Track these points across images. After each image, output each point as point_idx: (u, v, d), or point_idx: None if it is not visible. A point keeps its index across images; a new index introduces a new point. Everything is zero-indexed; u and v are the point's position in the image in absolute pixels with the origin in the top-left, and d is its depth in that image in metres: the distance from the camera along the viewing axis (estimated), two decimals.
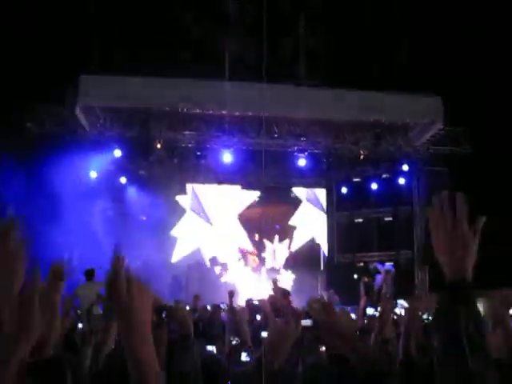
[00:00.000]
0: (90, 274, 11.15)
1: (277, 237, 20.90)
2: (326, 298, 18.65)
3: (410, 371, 3.27)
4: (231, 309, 6.06)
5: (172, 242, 20.19)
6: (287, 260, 19.80)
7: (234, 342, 5.00)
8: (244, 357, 4.74)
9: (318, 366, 2.97)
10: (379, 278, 18.21)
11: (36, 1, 15.04)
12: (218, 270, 18.75)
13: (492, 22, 15.12)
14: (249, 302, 10.61)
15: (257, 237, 20.81)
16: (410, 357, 3.42)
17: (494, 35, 15.16)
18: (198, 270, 18.74)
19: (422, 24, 16.20)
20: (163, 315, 4.02)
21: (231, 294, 6.90)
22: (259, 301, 6.61)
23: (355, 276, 20.32)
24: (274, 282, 6.90)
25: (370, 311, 7.16)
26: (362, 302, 17.32)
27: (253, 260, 19.21)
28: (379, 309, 4.74)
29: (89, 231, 15.82)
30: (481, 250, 1.93)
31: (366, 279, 18.55)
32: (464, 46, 15.47)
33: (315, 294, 18.68)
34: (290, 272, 19.10)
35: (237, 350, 4.84)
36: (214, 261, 19.21)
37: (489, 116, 15.65)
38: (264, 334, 4.79)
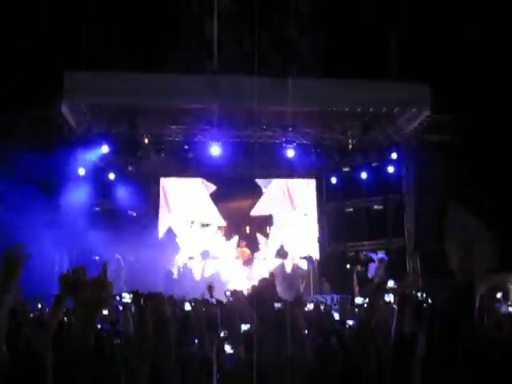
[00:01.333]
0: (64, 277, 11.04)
1: (268, 227, 20.91)
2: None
3: (402, 349, 3.25)
4: (218, 302, 6.03)
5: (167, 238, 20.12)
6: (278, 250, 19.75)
7: (222, 335, 4.97)
8: (228, 349, 4.73)
9: None
10: (373, 266, 18.26)
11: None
12: (209, 264, 18.68)
13: (479, 9, 15.12)
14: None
15: (248, 229, 20.79)
16: (403, 335, 3.40)
17: (481, 22, 15.16)
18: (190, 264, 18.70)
19: (410, 12, 16.18)
20: (141, 302, 4.02)
21: (210, 289, 6.88)
22: (232, 292, 6.54)
23: (347, 265, 20.36)
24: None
25: (359, 300, 7.16)
26: (356, 291, 17.41)
27: (242, 252, 19.18)
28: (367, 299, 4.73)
29: (78, 228, 15.77)
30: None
31: (359, 268, 18.62)
32: (451, 33, 15.47)
33: (308, 283, 18.77)
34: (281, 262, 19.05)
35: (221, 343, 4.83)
36: (205, 254, 19.16)
37: (476, 103, 15.67)
38: (244, 327, 4.79)
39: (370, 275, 18.17)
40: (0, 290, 2.85)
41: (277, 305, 5.65)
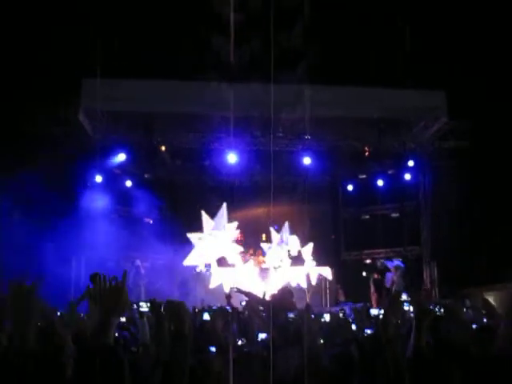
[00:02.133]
0: (93, 278, 11.10)
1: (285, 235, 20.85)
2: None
3: (420, 367, 3.23)
4: (235, 310, 6.04)
5: (183, 245, 20.05)
6: (295, 257, 19.67)
7: (239, 343, 4.98)
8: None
9: None
10: (389, 275, 18.18)
11: (39, 3, 15.03)
12: (225, 272, 18.63)
13: (494, 15, 15.06)
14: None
15: (264, 237, 20.75)
16: (421, 352, 3.38)
17: (496, 29, 15.09)
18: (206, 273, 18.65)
19: (425, 19, 16.14)
20: (161, 309, 4.04)
21: (228, 297, 6.86)
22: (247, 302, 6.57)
23: (363, 273, 20.28)
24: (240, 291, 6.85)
25: (374, 312, 7.12)
26: (374, 299, 17.30)
27: (258, 261, 19.11)
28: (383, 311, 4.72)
29: (96, 234, 15.85)
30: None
31: (375, 276, 18.53)
32: (466, 40, 15.42)
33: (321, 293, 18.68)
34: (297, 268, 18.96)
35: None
36: (221, 262, 19.11)
37: (493, 109, 15.59)
38: (261, 336, 4.79)
39: (387, 284, 18.09)
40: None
41: (290, 315, 5.67)
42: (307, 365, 3.69)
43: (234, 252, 19.31)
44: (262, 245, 19.80)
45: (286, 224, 19.68)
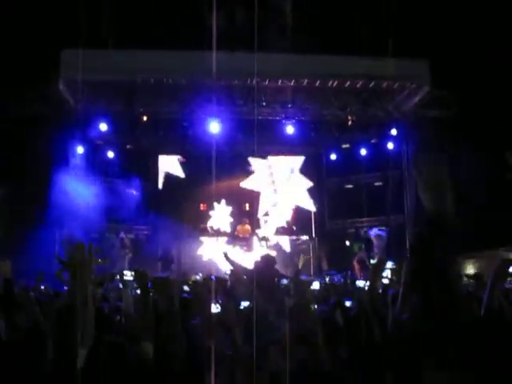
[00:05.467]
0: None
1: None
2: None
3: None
4: (220, 279, 6.05)
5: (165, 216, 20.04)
6: (278, 227, 19.72)
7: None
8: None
9: None
10: (375, 243, 18.35)
11: None
12: (209, 240, 18.65)
13: None
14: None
15: (247, 206, 20.78)
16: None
17: None
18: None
19: None
20: (148, 286, 4.03)
21: (226, 256, 6.82)
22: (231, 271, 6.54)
23: (347, 242, 20.38)
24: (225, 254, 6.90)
25: (360, 284, 7.14)
26: (357, 269, 17.39)
27: (243, 229, 19.13)
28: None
29: (77, 207, 15.76)
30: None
31: (360, 254, 18.62)
32: (450, 7, 15.35)
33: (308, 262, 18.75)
34: (281, 238, 19.02)
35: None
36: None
37: (476, 77, 15.59)
38: (244, 304, 4.80)
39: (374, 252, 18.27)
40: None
41: (284, 281, 5.69)
42: (297, 332, 3.70)
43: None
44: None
45: None
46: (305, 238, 19.29)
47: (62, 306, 2.98)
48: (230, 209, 19.85)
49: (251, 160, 19.69)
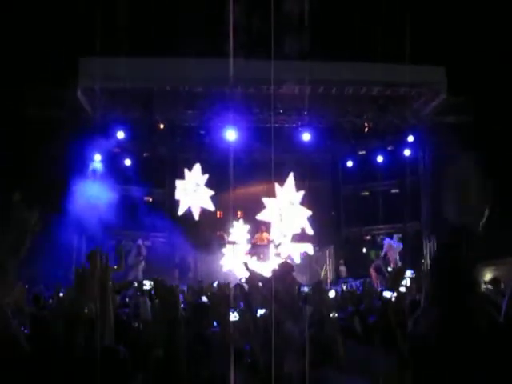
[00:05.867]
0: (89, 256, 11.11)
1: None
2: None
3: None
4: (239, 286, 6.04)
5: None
6: (295, 234, 19.67)
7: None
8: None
9: None
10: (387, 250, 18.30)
11: None
12: (228, 249, 18.61)
13: None
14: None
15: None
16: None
17: (495, 4, 14.98)
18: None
19: None
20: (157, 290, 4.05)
21: (246, 265, 6.81)
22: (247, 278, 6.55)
23: (364, 250, 20.34)
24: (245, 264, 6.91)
25: (387, 294, 7.11)
26: (373, 276, 17.30)
27: (261, 238, 19.09)
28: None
29: (95, 214, 15.83)
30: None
31: (377, 262, 18.57)
32: (466, 15, 15.31)
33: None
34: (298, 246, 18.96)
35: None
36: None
37: (492, 84, 15.53)
38: (260, 311, 4.81)
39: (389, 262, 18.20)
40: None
41: (305, 289, 5.71)
42: (316, 339, 3.70)
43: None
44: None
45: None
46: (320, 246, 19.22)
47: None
48: (247, 227, 19.79)
49: (264, 200, 19.51)
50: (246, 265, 6.75)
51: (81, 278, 2.96)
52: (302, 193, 19.33)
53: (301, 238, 19.38)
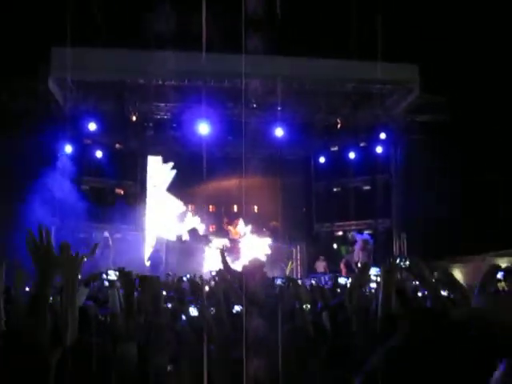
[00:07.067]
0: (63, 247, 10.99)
1: (256, 207, 20.94)
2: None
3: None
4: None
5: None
6: (265, 229, 19.70)
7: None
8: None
9: None
10: (357, 247, 18.36)
11: None
12: (198, 243, 18.55)
13: None
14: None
15: (235, 208, 20.78)
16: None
17: (469, 2, 15.10)
18: (177, 243, 18.55)
19: None
20: (136, 283, 4.02)
21: (222, 253, 6.72)
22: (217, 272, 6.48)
23: (334, 245, 20.41)
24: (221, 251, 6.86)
25: (342, 281, 7.13)
26: (343, 273, 17.41)
27: (235, 232, 19.10)
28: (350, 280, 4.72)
29: (67, 206, 15.68)
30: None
31: (347, 257, 18.66)
32: (439, 13, 15.41)
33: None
34: (267, 241, 18.99)
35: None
36: (193, 233, 19.04)
37: (465, 83, 15.66)
38: (237, 308, 4.79)
39: (354, 258, 18.29)
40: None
41: (278, 282, 5.69)
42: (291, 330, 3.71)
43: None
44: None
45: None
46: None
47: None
48: (198, 219, 19.91)
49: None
50: (222, 252, 6.67)
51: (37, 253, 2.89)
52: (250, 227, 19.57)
53: (272, 233, 19.41)
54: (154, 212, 20.09)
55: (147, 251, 18.78)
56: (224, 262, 6.39)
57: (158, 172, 20.41)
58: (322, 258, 19.33)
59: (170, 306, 5.53)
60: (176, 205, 20.37)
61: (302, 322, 4.16)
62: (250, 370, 3.62)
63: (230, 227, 19.30)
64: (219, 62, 15.37)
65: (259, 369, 3.66)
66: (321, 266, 19.10)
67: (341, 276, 10.86)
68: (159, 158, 20.45)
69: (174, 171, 20.26)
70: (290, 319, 4.28)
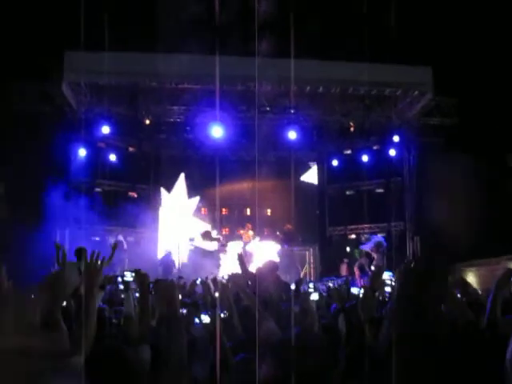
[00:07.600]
0: (79, 254, 11.03)
1: (269, 210, 20.92)
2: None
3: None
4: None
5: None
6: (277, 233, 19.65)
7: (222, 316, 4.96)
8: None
9: None
10: (367, 247, 18.28)
11: None
12: (213, 246, 18.53)
13: None
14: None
15: (248, 211, 20.77)
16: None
17: (482, 5, 15.03)
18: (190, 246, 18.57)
19: None
20: (150, 288, 4.02)
21: (241, 257, 6.59)
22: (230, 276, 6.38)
23: (347, 249, 20.35)
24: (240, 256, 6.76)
25: (354, 291, 7.08)
26: (357, 275, 17.31)
27: (247, 235, 19.07)
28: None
29: (80, 209, 15.73)
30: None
31: (360, 261, 18.57)
32: (454, 15, 15.35)
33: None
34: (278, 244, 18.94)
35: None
36: (206, 236, 19.02)
37: (479, 86, 15.58)
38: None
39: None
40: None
41: (292, 286, 5.69)
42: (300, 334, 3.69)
43: (195, 227, 19.34)
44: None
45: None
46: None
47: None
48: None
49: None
50: (240, 257, 6.56)
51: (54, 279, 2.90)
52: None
53: (285, 236, 19.37)
54: (168, 215, 20.09)
55: (160, 254, 18.78)
56: (243, 266, 6.29)
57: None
58: (345, 260, 19.28)
59: (184, 310, 5.53)
60: (189, 207, 20.35)
61: (314, 328, 4.14)
62: (262, 373, 3.61)
63: (242, 231, 19.29)
64: (232, 65, 15.38)
65: (270, 372, 3.65)
66: (344, 268, 19.10)
67: (353, 285, 10.83)
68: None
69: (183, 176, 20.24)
70: (302, 323, 4.27)
